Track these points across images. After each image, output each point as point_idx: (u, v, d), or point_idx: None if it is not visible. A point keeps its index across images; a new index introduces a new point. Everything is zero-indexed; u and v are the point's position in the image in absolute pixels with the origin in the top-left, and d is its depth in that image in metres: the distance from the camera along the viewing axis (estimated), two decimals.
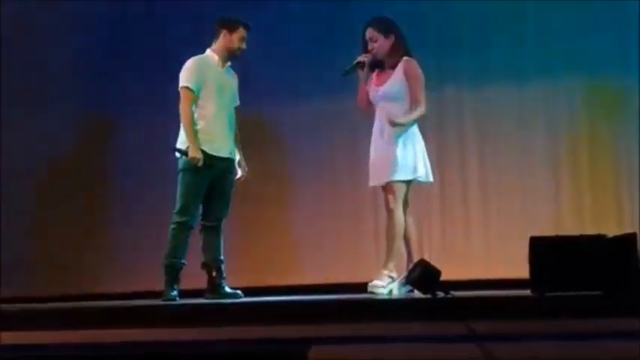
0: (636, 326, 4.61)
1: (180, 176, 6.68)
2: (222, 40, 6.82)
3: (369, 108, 6.67)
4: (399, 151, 6.44)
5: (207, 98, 6.70)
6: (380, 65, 6.62)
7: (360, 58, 6.60)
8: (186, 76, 6.69)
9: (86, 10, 8.56)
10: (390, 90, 6.51)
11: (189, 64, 6.73)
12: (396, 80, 6.51)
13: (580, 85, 7.80)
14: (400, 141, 6.44)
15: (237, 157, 6.90)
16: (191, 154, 6.57)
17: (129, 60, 8.41)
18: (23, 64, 8.57)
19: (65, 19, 8.61)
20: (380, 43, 6.56)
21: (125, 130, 8.44)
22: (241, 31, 6.81)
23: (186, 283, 6.75)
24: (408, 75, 6.49)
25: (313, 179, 8.17)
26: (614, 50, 7.67)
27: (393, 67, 6.56)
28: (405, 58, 6.54)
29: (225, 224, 6.86)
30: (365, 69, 6.61)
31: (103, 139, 8.53)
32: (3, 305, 6.38)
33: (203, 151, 6.61)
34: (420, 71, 6.53)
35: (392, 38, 6.56)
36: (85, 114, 8.55)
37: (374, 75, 6.65)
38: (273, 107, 8.17)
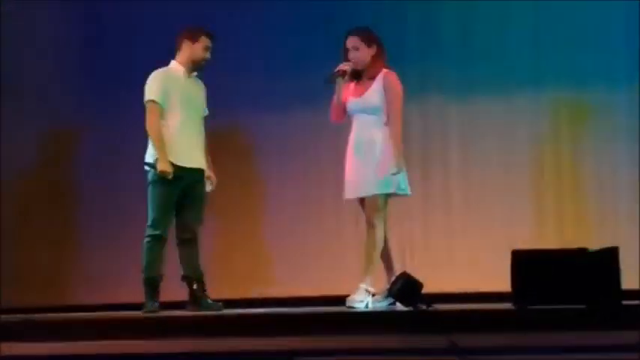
0: (619, 340, 4.62)
1: (149, 189, 6.64)
2: (185, 51, 6.76)
3: (342, 118, 6.59)
4: (381, 164, 6.37)
5: (172, 110, 6.65)
6: (358, 75, 6.56)
7: (342, 67, 6.49)
8: (150, 89, 6.65)
9: (85, 10, 8.54)
10: (370, 101, 6.42)
11: (153, 76, 6.67)
12: (375, 92, 6.43)
13: (565, 97, 7.79)
14: (381, 154, 6.39)
15: (207, 170, 6.84)
16: (160, 167, 6.53)
17: (118, 66, 8.36)
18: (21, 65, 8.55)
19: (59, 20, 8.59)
20: (362, 53, 6.50)
21: (124, 138, 8.37)
22: (204, 41, 6.74)
23: (167, 295, 6.73)
24: (388, 88, 6.41)
25: (294, 191, 8.13)
26: (600, 63, 7.66)
27: (371, 78, 6.49)
28: (385, 70, 6.50)
29: (205, 236, 6.84)
30: (345, 78, 6.55)
31: (98, 148, 8.47)
32: (3, 316, 6.34)
33: (171, 163, 6.57)
34: (400, 85, 6.49)
35: (374, 49, 6.50)
36: (78, 120, 8.49)
37: (351, 86, 6.56)
38: (254, 119, 8.14)
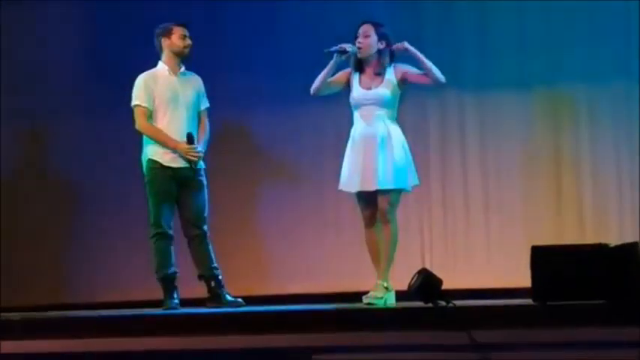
0: (638, 335, 4.61)
1: (147, 189, 6.73)
2: (165, 48, 6.81)
3: (319, 94, 6.51)
4: (401, 158, 6.35)
5: (158, 111, 6.71)
6: (361, 66, 6.50)
7: (344, 45, 6.42)
8: (135, 94, 6.74)
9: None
10: (383, 94, 6.39)
11: (137, 81, 6.76)
12: (388, 84, 6.42)
13: (583, 91, 7.78)
14: (399, 146, 6.36)
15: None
16: (183, 152, 6.61)
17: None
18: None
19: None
20: (371, 40, 6.45)
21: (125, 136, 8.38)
22: (177, 31, 6.79)
23: (189, 292, 6.76)
24: (404, 71, 6.45)
25: (293, 190, 8.11)
26: (617, 57, 7.64)
27: (379, 74, 6.46)
28: (394, 64, 6.49)
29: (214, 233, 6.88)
30: (343, 57, 6.41)
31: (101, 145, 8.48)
32: (3, 314, 6.36)
33: (159, 163, 6.65)
34: None
35: (383, 44, 6.50)
36: (76, 117, 8.47)
37: (356, 77, 6.48)
38: (257, 115, 8.12)
